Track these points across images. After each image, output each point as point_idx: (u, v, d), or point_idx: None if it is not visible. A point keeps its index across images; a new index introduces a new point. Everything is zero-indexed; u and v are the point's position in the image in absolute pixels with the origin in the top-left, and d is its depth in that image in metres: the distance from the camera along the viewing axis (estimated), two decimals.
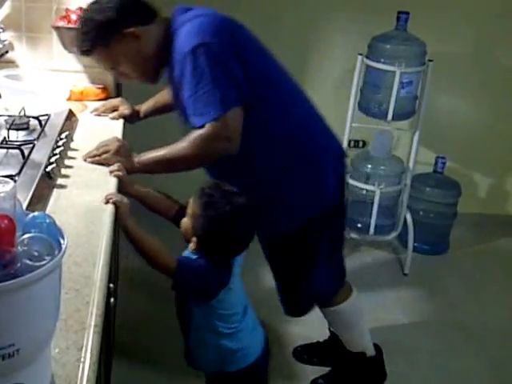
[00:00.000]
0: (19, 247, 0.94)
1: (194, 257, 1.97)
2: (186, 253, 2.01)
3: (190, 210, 1.97)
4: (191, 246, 1.97)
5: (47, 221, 1.03)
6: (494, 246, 4.32)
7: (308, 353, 3.05)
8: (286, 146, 2.33)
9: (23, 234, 0.97)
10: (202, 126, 2.13)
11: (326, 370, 2.92)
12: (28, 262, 0.94)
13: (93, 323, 1.30)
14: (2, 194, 0.97)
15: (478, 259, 4.13)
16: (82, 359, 1.19)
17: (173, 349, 2.34)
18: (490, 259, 4.15)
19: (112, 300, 1.87)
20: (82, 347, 1.22)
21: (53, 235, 1.00)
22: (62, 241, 1.02)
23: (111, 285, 1.79)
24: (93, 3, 2.25)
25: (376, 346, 2.87)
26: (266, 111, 2.29)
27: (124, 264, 2.86)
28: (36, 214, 1.04)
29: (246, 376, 2.11)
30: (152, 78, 2.33)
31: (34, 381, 1.05)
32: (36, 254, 0.95)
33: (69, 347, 1.21)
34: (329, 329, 2.98)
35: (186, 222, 1.99)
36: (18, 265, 0.92)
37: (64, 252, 1.00)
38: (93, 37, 2.20)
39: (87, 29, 2.20)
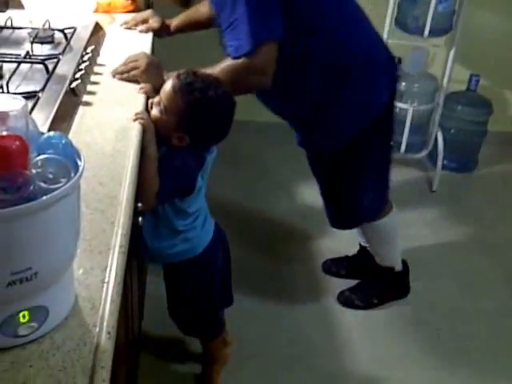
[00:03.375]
0: (33, 169, 0.91)
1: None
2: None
3: (168, 104, 1.88)
4: (176, 142, 1.90)
5: (63, 141, 0.98)
6: None
7: (336, 266, 3.11)
8: (343, 55, 2.30)
9: (37, 156, 0.94)
10: (236, 58, 2.09)
11: (353, 282, 2.99)
12: (42, 184, 0.90)
13: (118, 244, 1.27)
14: (14, 113, 0.92)
15: (505, 177, 4.12)
16: (107, 280, 1.17)
17: None
18: None
19: (140, 219, 1.85)
20: (106, 268, 1.20)
21: (69, 156, 0.97)
22: (79, 162, 0.98)
23: (139, 204, 1.77)
24: None
25: (403, 262, 2.93)
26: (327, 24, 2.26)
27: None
28: (51, 134, 1.00)
29: (195, 265, 2.13)
30: None
31: (55, 303, 1.04)
32: (51, 176, 0.92)
33: (93, 268, 1.19)
34: (359, 243, 3.05)
35: (163, 120, 1.89)
36: (32, 188, 0.89)
37: (81, 174, 0.97)
38: None
39: None
